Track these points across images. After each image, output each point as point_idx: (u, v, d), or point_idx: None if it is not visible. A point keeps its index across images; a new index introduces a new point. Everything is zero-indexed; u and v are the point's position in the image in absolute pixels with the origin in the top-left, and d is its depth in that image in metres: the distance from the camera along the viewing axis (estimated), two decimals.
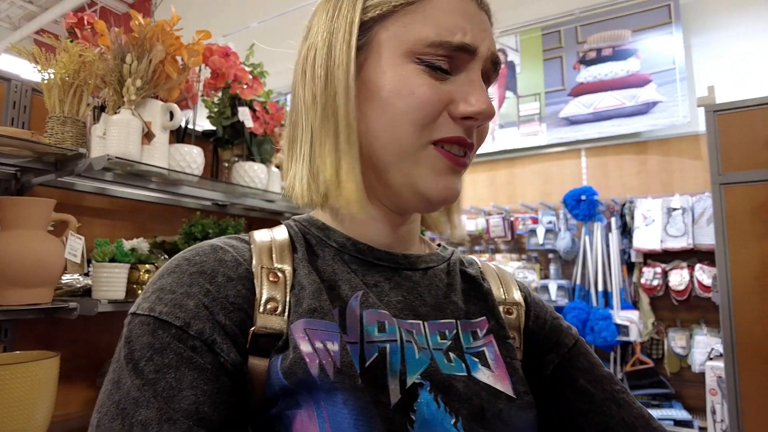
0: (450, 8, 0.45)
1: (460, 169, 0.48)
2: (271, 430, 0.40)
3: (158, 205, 1.61)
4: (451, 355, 0.47)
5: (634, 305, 3.13)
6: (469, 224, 3.71)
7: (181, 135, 1.47)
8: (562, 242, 3.32)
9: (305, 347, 0.40)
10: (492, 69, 0.49)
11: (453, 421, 0.43)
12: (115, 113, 1.18)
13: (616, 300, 3.10)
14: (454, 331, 0.49)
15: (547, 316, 0.59)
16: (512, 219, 3.62)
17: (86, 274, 1.27)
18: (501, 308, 0.55)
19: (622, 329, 3.00)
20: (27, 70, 1.27)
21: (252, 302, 0.43)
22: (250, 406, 0.41)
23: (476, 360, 0.48)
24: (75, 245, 1.06)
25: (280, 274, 0.45)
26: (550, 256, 3.47)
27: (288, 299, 0.44)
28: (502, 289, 0.58)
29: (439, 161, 0.46)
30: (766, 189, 1.47)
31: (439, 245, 0.60)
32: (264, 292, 0.43)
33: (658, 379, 3.03)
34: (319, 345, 0.40)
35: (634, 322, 3.01)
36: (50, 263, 1.03)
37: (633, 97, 3.39)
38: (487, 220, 3.66)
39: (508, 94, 3.89)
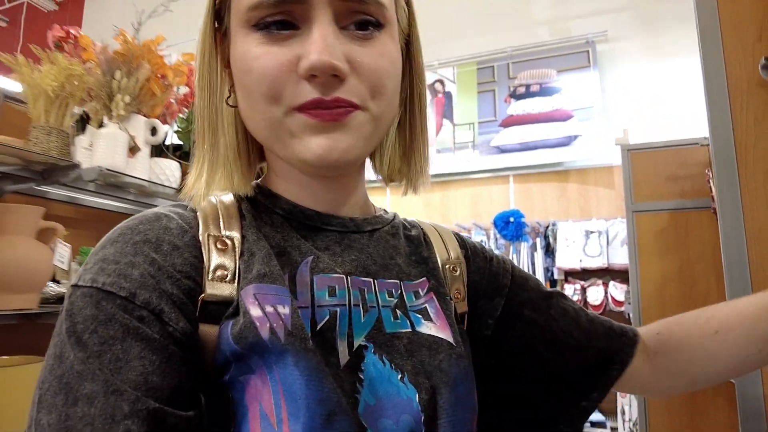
0: None
1: (335, 123, 0.42)
2: (224, 397, 0.39)
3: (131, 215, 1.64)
4: (398, 312, 0.49)
5: None
6: None
7: (155, 149, 1.53)
8: None
9: (255, 311, 0.39)
10: (358, 15, 0.43)
11: (399, 376, 0.44)
12: (101, 126, 1.24)
13: None
14: (399, 291, 0.50)
15: (485, 264, 0.61)
16: None
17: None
18: (447, 266, 0.57)
19: None
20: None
21: (200, 270, 0.42)
22: (203, 373, 0.40)
23: (419, 316, 0.50)
24: (63, 253, 1.09)
25: (228, 242, 0.44)
26: None
27: (237, 266, 0.43)
28: (444, 249, 0.59)
29: (306, 123, 0.42)
30: (668, 216, 1.75)
31: (383, 210, 0.60)
32: (213, 260, 0.42)
33: None
34: (269, 309, 0.40)
35: None
36: (38, 270, 1.06)
37: (556, 130, 3.73)
38: None
39: (445, 122, 4.15)
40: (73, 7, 6.46)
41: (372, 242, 0.52)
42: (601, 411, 3.23)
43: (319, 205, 0.51)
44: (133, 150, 1.25)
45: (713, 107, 0.80)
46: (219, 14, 0.47)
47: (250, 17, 0.42)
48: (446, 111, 4.17)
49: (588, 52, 3.76)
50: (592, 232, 3.32)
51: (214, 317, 0.40)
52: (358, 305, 0.46)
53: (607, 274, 3.28)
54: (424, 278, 0.53)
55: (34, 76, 1.18)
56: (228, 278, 0.42)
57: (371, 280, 0.49)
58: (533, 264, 3.47)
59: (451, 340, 0.49)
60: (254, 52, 0.42)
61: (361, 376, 0.42)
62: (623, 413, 2.97)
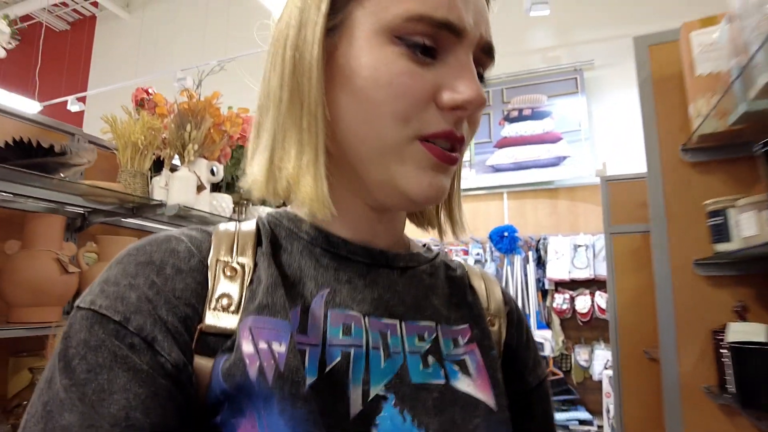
0: None
1: (449, 166, 0.41)
2: None
3: None
4: (430, 359, 0.43)
5: (548, 325, 3.65)
6: None
7: (213, 185, 1.82)
8: (488, 271, 3.88)
9: (247, 347, 0.35)
10: (486, 58, 0.43)
11: None
12: (174, 170, 1.53)
13: (533, 321, 3.61)
14: (434, 335, 0.44)
15: (526, 342, 0.54)
16: (446, 250, 4.11)
17: None
18: (486, 318, 0.50)
19: (538, 345, 3.56)
20: (89, 126, 1.58)
21: (203, 297, 0.38)
22: (197, 410, 0.36)
23: (456, 369, 0.44)
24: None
25: (238, 268, 0.40)
26: None
27: (244, 295, 0.39)
28: (486, 296, 0.53)
29: (424, 157, 0.40)
30: (640, 237, 2.06)
31: (424, 245, 0.55)
32: (218, 287, 0.39)
33: (567, 388, 3.56)
34: (263, 345, 0.36)
35: (547, 339, 3.52)
36: (62, 282, 1.33)
37: (547, 151, 4.02)
38: None
39: None
40: (85, 28, 6.76)
41: (403, 280, 0.46)
42: (588, 411, 3.50)
43: (350, 233, 0.45)
44: (200, 188, 1.54)
45: (651, 174, 1.11)
46: (335, 4, 0.41)
47: (399, 27, 0.38)
48: None
49: (576, 78, 4.07)
50: (579, 246, 3.60)
51: (211, 349, 0.37)
52: (378, 348, 0.41)
53: (593, 284, 3.55)
54: (467, 325, 0.47)
55: (122, 130, 1.47)
56: (232, 308, 0.38)
57: (397, 322, 0.43)
58: (526, 275, 3.75)
59: (491, 403, 0.43)
60: (397, 67, 0.38)
61: (374, 431, 0.37)
62: (608, 411, 3.25)
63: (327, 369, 0.38)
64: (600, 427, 3.34)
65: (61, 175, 1.25)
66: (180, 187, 1.48)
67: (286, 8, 0.44)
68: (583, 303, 3.51)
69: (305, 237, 0.45)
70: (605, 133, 3.89)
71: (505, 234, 3.76)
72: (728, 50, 0.89)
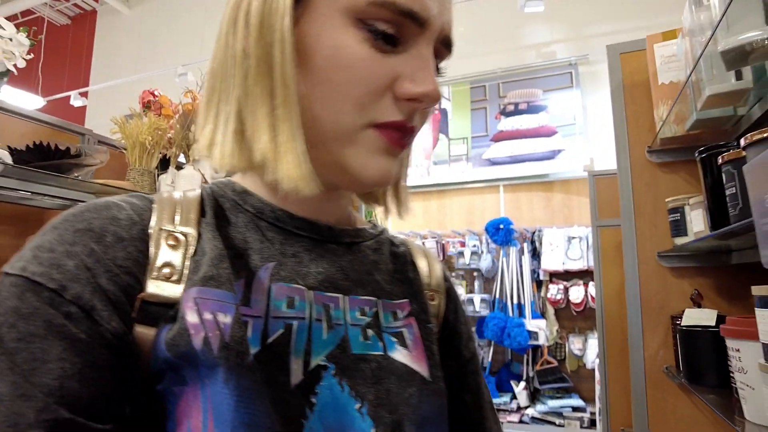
0: None
1: (399, 151, 0.42)
2: (158, 407, 0.36)
3: None
4: (369, 332, 0.44)
5: (542, 315, 3.73)
6: None
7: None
8: (485, 263, 3.90)
9: (192, 318, 0.35)
10: (444, 50, 0.44)
11: (358, 405, 0.40)
12: (180, 168, 1.62)
13: (528, 311, 3.69)
14: (375, 309, 0.46)
15: (461, 318, 0.57)
16: (444, 242, 4.15)
17: None
18: (426, 292, 0.53)
19: (533, 335, 3.58)
20: (100, 126, 1.67)
21: (144, 266, 0.37)
22: (138, 379, 0.36)
23: (394, 340, 0.45)
24: None
25: (181, 237, 0.39)
26: (475, 274, 4.03)
27: (187, 265, 0.38)
28: (428, 273, 0.54)
29: (377, 142, 0.40)
30: None
31: (369, 221, 0.55)
32: (160, 256, 0.38)
33: (561, 376, 3.64)
34: (207, 316, 0.36)
35: (542, 329, 3.59)
36: None
37: (543, 144, 4.07)
38: (423, 242, 4.23)
39: (441, 136, 4.52)
40: (86, 23, 6.81)
41: (348, 255, 0.47)
42: (582, 398, 3.60)
43: (296, 208, 0.46)
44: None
45: (621, 172, 1.20)
46: None
47: (362, 10, 0.38)
48: (442, 126, 4.54)
49: (571, 73, 4.14)
50: (573, 238, 3.67)
51: (153, 319, 0.36)
52: (321, 320, 0.41)
53: (587, 275, 3.60)
54: (406, 300, 0.49)
55: (130, 131, 1.56)
56: (174, 278, 0.37)
57: (340, 296, 0.44)
58: (521, 266, 3.83)
59: (426, 373, 0.45)
60: (358, 51, 0.38)
61: (313, 400, 0.38)
62: (600, 398, 3.35)
63: (269, 340, 0.38)
64: (593, 413, 3.44)
65: (76, 175, 1.34)
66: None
67: None
68: (576, 293, 3.59)
69: (251, 210, 0.45)
70: (599, 127, 3.96)
71: (501, 226, 3.82)
72: (684, 63, 0.97)
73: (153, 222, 0.40)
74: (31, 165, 1.22)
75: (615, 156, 1.31)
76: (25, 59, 1.09)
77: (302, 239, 0.45)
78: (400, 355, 0.44)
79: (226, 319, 0.36)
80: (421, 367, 0.45)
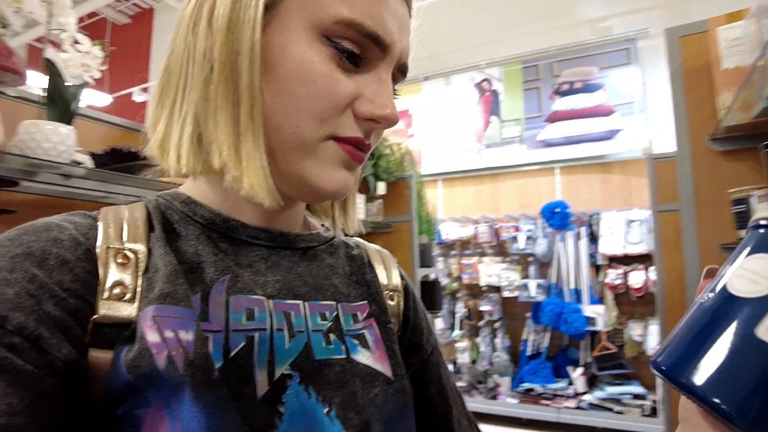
0: None
1: (357, 165, 0.43)
2: None
3: None
4: (331, 336, 0.44)
5: (600, 300, 3.66)
6: (460, 231, 4.25)
7: None
8: (540, 247, 3.86)
9: (152, 337, 0.34)
10: (400, 76, 0.45)
11: (326, 410, 0.40)
12: None
13: (585, 296, 3.64)
14: (335, 313, 0.46)
15: (420, 313, 0.57)
16: (497, 227, 4.10)
17: None
18: (386, 293, 0.53)
19: (591, 321, 3.54)
20: None
21: (94, 288, 0.36)
22: (93, 405, 0.35)
23: (356, 342, 0.45)
24: None
25: (131, 255, 0.38)
26: (530, 259, 4.00)
27: (139, 284, 0.37)
28: (385, 274, 0.55)
29: (336, 155, 0.41)
30: None
31: (322, 225, 0.55)
32: (110, 276, 0.37)
33: (620, 362, 3.57)
34: (169, 334, 0.35)
35: (600, 314, 3.54)
36: None
37: (599, 124, 3.95)
38: (475, 228, 4.18)
39: (493, 118, 4.45)
40: (145, 21, 7.12)
41: (304, 261, 0.47)
42: (643, 385, 3.51)
43: (248, 217, 0.45)
44: None
45: (680, 159, 1.15)
46: None
47: (330, 28, 0.39)
48: (493, 108, 4.46)
49: (629, 49, 3.95)
50: (633, 221, 3.55)
51: (108, 341, 0.35)
52: (282, 330, 0.41)
53: (648, 259, 3.48)
54: (365, 301, 0.49)
55: None
56: (127, 297, 0.36)
57: (300, 302, 0.44)
58: (578, 251, 3.75)
59: (389, 373, 0.45)
60: (322, 68, 0.39)
61: (281, 410, 0.38)
62: (663, 387, 3.25)
63: (231, 354, 0.37)
64: (654, 401, 3.36)
65: (146, 174, 1.44)
66: None
67: None
68: (636, 278, 3.49)
69: (201, 221, 0.44)
70: (660, 105, 3.76)
71: (557, 210, 3.77)
72: (750, 46, 0.92)
73: (99, 241, 0.38)
74: (108, 167, 1.33)
75: (674, 134, 1.26)
76: (100, 70, 1.17)
77: (257, 248, 0.45)
78: (362, 357, 0.45)
79: (188, 336, 0.35)
80: (384, 368, 0.46)
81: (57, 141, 1.07)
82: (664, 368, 0.33)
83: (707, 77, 1.14)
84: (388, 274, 0.55)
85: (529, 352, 3.89)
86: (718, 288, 0.33)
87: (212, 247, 0.43)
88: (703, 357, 0.31)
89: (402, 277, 0.57)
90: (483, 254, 4.26)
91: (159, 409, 0.34)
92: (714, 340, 0.31)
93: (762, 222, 0.34)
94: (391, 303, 0.53)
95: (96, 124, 1.67)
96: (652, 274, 3.43)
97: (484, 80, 4.51)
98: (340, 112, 0.40)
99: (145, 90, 5.98)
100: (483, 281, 4.08)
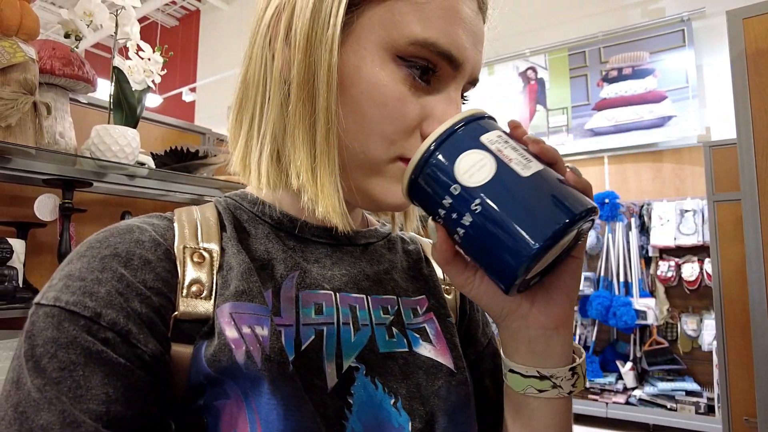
0: (448, 7, 0.39)
1: None
2: (198, 422, 0.36)
3: None
4: (394, 330, 0.46)
5: (651, 294, 3.57)
6: None
7: None
8: (588, 239, 3.80)
9: (231, 333, 0.36)
10: (470, 87, 0.45)
11: (392, 401, 0.41)
12: None
13: (635, 289, 3.55)
14: (396, 307, 0.47)
15: (475, 305, 0.58)
16: None
17: None
18: (442, 287, 0.54)
19: (641, 314, 3.45)
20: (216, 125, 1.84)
21: (174, 286, 0.38)
22: (175, 397, 0.37)
23: (417, 336, 0.47)
24: None
25: (206, 255, 0.40)
26: None
27: (215, 281, 0.39)
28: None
29: (401, 171, 0.41)
30: None
31: (378, 221, 0.56)
32: (187, 274, 0.39)
33: (672, 357, 3.48)
34: (246, 330, 0.37)
35: (651, 308, 3.45)
36: None
37: (650, 111, 3.82)
38: None
39: (539, 107, 4.37)
40: (192, 22, 7.34)
41: (365, 256, 0.49)
42: (697, 382, 3.40)
43: (312, 216, 0.45)
44: None
45: (742, 147, 1.11)
46: (354, 2, 0.40)
47: (402, 49, 0.39)
48: (539, 97, 4.38)
49: (683, 30, 3.79)
50: (686, 211, 3.43)
51: (188, 336, 0.37)
52: (348, 323, 0.43)
53: (702, 251, 3.38)
54: (423, 296, 0.51)
55: None
56: (204, 294, 0.39)
57: (364, 296, 0.46)
58: (628, 242, 3.65)
59: (451, 365, 0.46)
60: (394, 90, 0.39)
61: (350, 401, 0.39)
62: (719, 384, 3.13)
63: (302, 347, 0.39)
64: (710, 399, 3.24)
65: (202, 173, 1.51)
66: None
67: None
68: (690, 270, 3.38)
69: (269, 221, 0.46)
70: (716, 89, 3.60)
71: (606, 201, 3.68)
72: None
73: (176, 241, 0.41)
74: (168, 167, 1.40)
75: (735, 121, 1.21)
76: (160, 75, 1.24)
77: (321, 245, 0.47)
78: (424, 350, 0.46)
79: (263, 331, 0.37)
80: (446, 360, 0.46)
81: (124, 144, 1.14)
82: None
83: None
84: None
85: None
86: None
87: (281, 244, 0.44)
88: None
89: None
90: None
91: (237, 401, 0.35)
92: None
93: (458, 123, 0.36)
94: (449, 297, 0.54)
95: (153, 125, 1.75)
96: (707, 265, 3.31)
97: (529, 68, 4.43)
98: (409, 134, 0.41)
99: (193, 90, 6.18)
100: None
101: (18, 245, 1.13)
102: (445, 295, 0.53)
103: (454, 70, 0.40)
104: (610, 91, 4.04)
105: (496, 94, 4.53)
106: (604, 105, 4.06)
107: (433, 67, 0.40)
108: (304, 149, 0.40)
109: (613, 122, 3.99)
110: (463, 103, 0.46)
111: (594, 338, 3.79)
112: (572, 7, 4.20)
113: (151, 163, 1.34)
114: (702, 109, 3.63)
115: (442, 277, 0.55)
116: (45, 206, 1.22)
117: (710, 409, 3.20)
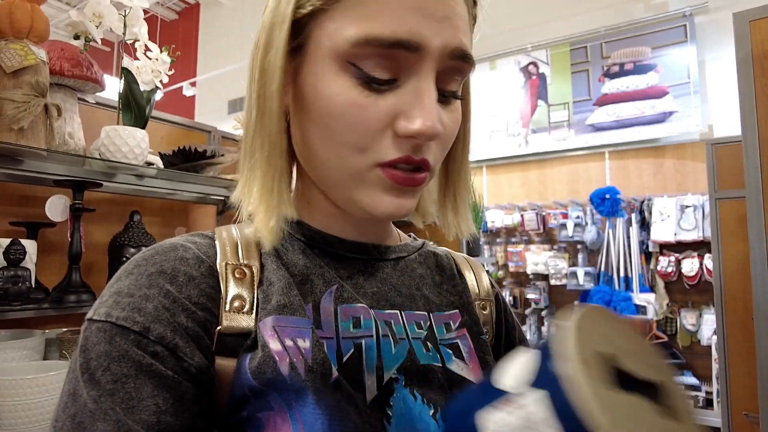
0: None
1: (412, 188, 0.42)
2: None
3: None
4: (429, 344, 0.46)
5: (651, 289, 3.57)
6: (506, 218, 4.21)
7: None
8: (589, 235, 3.77)
9: (275, 345, 0.37)
10: (461, 64, 0.41)
11: (431, 412, 0.41)
12: None
13: (635, 284, 3.56)
14: (428, 323, 0.47)
15: (512, 322, 0.58)
16: (544, 214, 4.03)
17: None
18: (477, 303, 0.54)
19: (641, 309, 3.46)
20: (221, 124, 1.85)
21: (217, 301, 0.40)
22: (219, 409, 0.38)
23: (450, 352, 0.46)
24: None
25: (246, 271, 0.42)
26: (578, 246, 3.91)
27: (256, 296, 0.41)
28: (475, 281, 0.56)
29: (384, 182, 0.40)
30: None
31: (410, 235, 0.57)
32: (230, 290, 0.40)
33: (672, 352, 3.48)
34: (289, 343, 0.38)
35: (651, 303, 3.45)
36: None
37: (652, 107, 3.80)
38: (522, 215, 4.10)
39: (540, 102, 4.36)
40: (191, 16, 7.30)
41: (396, 272, 0.49)
42: (696, 376, 3.42)
43: (343, 233, 0.48)
44: None
45: (748, 149, 1.12)
46: (298, 25, 0.40)
47: (350, 52, 0.38)
48: (540, 92, 4.37)
49: (685, 26, 3.77)
50: (687, 207, 3.43)
51: (231, 350, 0.38)
52: (388, 336, 0.43)
53: (702, 246, 3.37)
54: (456, 311, 0.50)
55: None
56: (246, 309, 0.40)
57: (397, 312, 0.46)
58: (629, 238, 3.65)
59: None
60: (350, 98, 0.38)
61: (389, 413, 0.40)
62: (718, 378, 3.16)
63: (344, 360, 0.40)
64: (708, 392, 3.27)
65: (209, 172, 1.52)
66: None
67: (261, 23, 0.43)
68: (690, 266, 3.38)
69: (303, 238, 0.47)
70: (719, 85, 3.59)
71: (607, 196, 3.66)
72: None
73: (218, 258, 0.42)
74: (176, 167, 1.41)
75: (738, 118, 1.22)
76: (168, 75, 1.24)
77: (354, 261, 0.48)
78: (457, 367, 0.46)
79: (305, 343, 0.38)
80: (477, 379, 0.46)
81: (134, 144, 1.15)
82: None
83: None
84: (478, 282, 0.56)
85: None
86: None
87: (317, 260, 0.46)
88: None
89: (492, 286, 0.58)
90: (530, 242, 4.21)
91: (281, 412, 0.36)
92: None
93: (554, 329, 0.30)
94: (484, 312, 0.54)
95: (159, 123, 1.76)
96: (707, 261, 3.32)
97: (531, 63, 4.42)
98: (379, 137, 0.39)
99: (193, 84, 6.16)
100: (530, 269, 4.04)
101: (30, 246, 1.14)
102: (481, 311, 0.53)
103: (415, 53, 0.38)
104: (611, 86, 4.03)
105: (497, 89, 4.53)
106: (605, 100, 4.05)
107: (391, 62, 0.38)
108: (259, 173, 0.42)
109: (615, 117, 3.98)
110: (458, 98, 0.44)
111: None
112: (574, 2, 4.18)
113: (160, 163, 1.35)
114: (703, 104, 3.62)
115: (476, 290, 0.55)
116: (56, 207, 1.23)
117: (708, 403, 3.22)
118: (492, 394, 0.31)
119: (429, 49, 0.38)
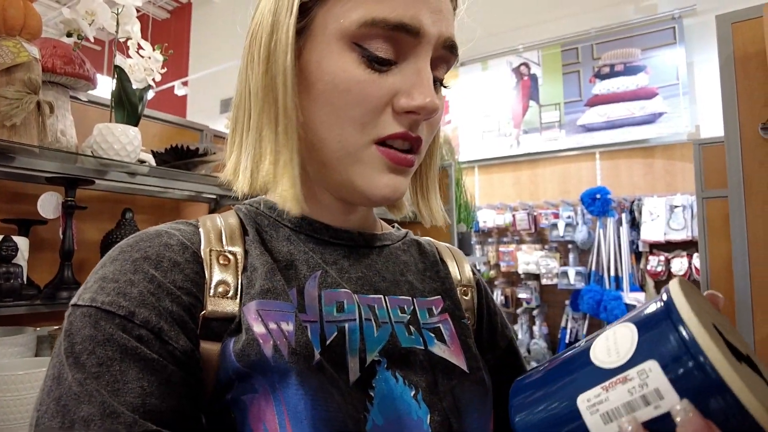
0: None
1: (405, 168, 0.44)
2: (227, 416, 0.38)
3: None
4: (411, 328, 0.47)
5: (641, 288, 3.60)
6: (497, 218, 4.23)
7: None
8: (580, 234, 3.80)
9: (258, 328, 0.38)
10: (449, 55, 0.45)
11: (413, 393, 0.43)
12: None
13: (626, 283, 3.59)
14: (411, 307, 0.49)
15: (493, 307, 0.59)
16: (536, 214, 4.07)
17: None
18: (459, 289, 0.55)
19: (631, 308, 3.48)
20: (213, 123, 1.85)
21: (201, 286, 0.40)
22: (204, 393, 0.39)
23: (432, 335, 0.48)
24: None
25: (230, 257, 0.43)
26: (569, 246, 3.95)
27: (240, 282, 0.41)
28: (457, 269, 0.57)
29: (380, 161, 0.43)
30: None
31: (393, 225, 0.58)
32: (214, 275, 0.41)
33: None
34: (272, 326, 0.39)
35: (641, 302, 3.47)
36: None
37: (642, 108, 3.84)
38: (513, 215, 4.14)
39: (531, 103, 4.39)
40: (183, 15, 7.27)
41: (381, 258, 0.51)
42: None
43: (329, 219, 0.49)
44: None
45: (730, 148, 1.15)
46: (303, 8, 0.42)
47: (356, 33, 0.40)
48: (532, 93, 4.40)
49: (674, 28, 3.81)
50: (676, 207, 3.47)
51: (215, 334, 0.39)
52: (370, 319, 0.45)
53: (691, 246, 3.39)
54: (439, 297, 0.52)
55: None
56: (230, 294, 0.40)
57: (381, 296, 0.47)
58: (619, 237, 3.68)
59: (464, 367, 0.47)
60: (355, 75, 0.41)
61: (372, 394, 0.41)
62: None
63: (327, 343, 0.41)
64: None
65: (201, 170, 1.52)
66: None
67: (259, 8, 0.45)
68: (679, 265, 3.42)
69: (288, 224, 0.48)
70: (708, 86, 3.63)
71: (598, 196, 3.69)
72: None
73: (203, 245, 0.43)
74: (168, 165, 1.41)
75: (723, 123, 1.25)
76: (160, 73, 1.25)
77: (339, 247, 0.49)
78: (439, 350, 0.47)
79: (288, 326, 0.39)
80: (459, 361, 0.48)
81: (126, 142, 1.15)
82: (513, 407, 0.35)
83: (761, 65, 1.12)
84: (460, 269, 0.58)
85: (567, 339, 3.88)
86: (585, 342, 0.34)
87: (301, 246, 0.47)
88: (536, 406, 0.33)
89: (474, 274, 0.60)
90: (521, 242, 4.24)
91: (265, 394, 0.37)
92: (551, 392, 0.33)
93: (664, 295, 0.31)
94: (465, 298, 0.56)
95: (152, 122, 1.76)
96: (696, 260, 3.36)
97: (522, 64, 4.45)
98: (379, 114, 0.42)
99: (185, 83, 6.15)
100: (521, 269, 4.07)
101: (22, 243, 1.14)
102: (463, 297, 0.55)
103: (414, 38, 0.41)
104: (602, 87, 4.07)
105: (489, 89, 4.55)
106: (596, 101, 4.08)
107: (393, 44, 0.41)
108: (269, 149, 0.43)
109: (605, 118, 4.02)
110: (445, 87, 0.48)
111: (585, 332, 3.84)
112: (565, 4, 4.21)
113: (152, 161, 1.36)
114: (692, 105, 3.67)
115: (458, 278, 0.57)
116: (48, 204, 1.23)
117: None
118: (592, 375, 0.30)
119: (427, 35, 0.41)
